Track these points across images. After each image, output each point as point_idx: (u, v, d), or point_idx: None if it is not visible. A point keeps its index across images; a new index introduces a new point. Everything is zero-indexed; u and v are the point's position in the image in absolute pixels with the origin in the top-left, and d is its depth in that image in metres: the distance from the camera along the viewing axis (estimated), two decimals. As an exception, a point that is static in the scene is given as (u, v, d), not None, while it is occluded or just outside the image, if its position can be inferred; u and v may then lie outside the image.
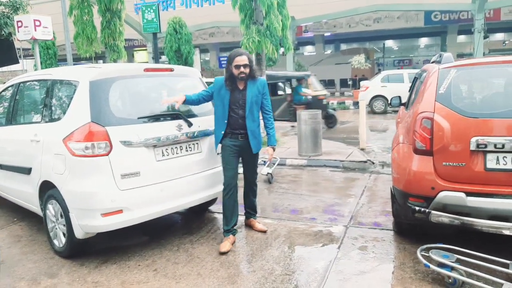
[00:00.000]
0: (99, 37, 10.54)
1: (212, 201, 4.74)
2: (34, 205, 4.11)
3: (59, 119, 3.75)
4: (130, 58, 29.96)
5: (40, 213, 4.00)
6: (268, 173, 6.11)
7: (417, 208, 3.28)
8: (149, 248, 3.86)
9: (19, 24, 9.43)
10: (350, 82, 27.56)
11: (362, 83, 17.06)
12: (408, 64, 34.63)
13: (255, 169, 4.15)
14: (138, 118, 3.68)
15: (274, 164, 6.54)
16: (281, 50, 10.62)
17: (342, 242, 3.89)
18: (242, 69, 3.72)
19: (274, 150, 4.10)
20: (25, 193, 4.22)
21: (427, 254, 3.11)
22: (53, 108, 3.93)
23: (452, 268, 2.93)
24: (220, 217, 4.67)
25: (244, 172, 4.13)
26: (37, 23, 9.37)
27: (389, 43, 36.59)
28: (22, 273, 3.50)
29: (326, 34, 31.45)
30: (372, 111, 15.51)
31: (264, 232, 4.14)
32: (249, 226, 4.30)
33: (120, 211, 3.45)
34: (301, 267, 3.41)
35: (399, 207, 3.67)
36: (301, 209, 4.88)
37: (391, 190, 3.91)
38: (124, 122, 3.58)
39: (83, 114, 3.49)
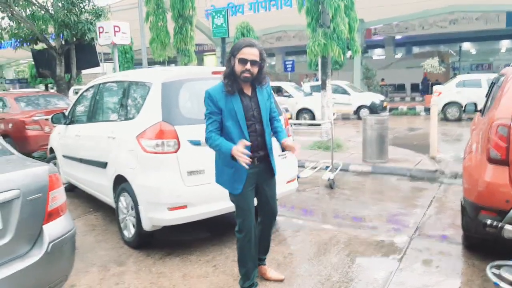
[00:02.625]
0: (172, 42, 11.08)
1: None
2: (108, 197, 4.43)
3: (133, 117, 4.03)
4: (200, 62, 31.15)
5: (113, 205, 4.30)
6: (329, 178, 6.04)
7: (489, 222, 3.06)
8: (210, 245, 4.00)
9: (101, 30, 10.23)
10: (421, 87, 26.25)
11: (435, 88, 16.15)
12: (488, 69, 32.21)
13: (275, 197, 3.13)
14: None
15: (336, 169, 6.44)
16: (349, 53, 10.45)
17: (405, 253, 3.74)
18: (248, 66, 2.71)
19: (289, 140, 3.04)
20: (101, 186, 4.56)
21: (498, 272, 2.89)
22: (128, 108, 4.22)
23: (527, 289, 2.70)
24: (279, 219, 4.71)
25: (260, 204, 3.09)
26: (117, 29, 10.10)
27: (467, 46, 34.34)
28: (94, 259, 3.79)
29: (397, 36, 30.32)
30: (445, 118, 14.65)
31: (282, 280, 3.23)
32: (258, 275, 3.22)
33: (185, 206, 3.62)
34: (359, 275, 3.33)
35: (469, 220, 3.45)
36: (363, 217, 4.76)
37: (461, 202, 3.69)
38: (192, 122, 3.75)
39: (155, 114, 3.71)
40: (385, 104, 16.63)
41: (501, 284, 2.80)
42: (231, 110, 2.75)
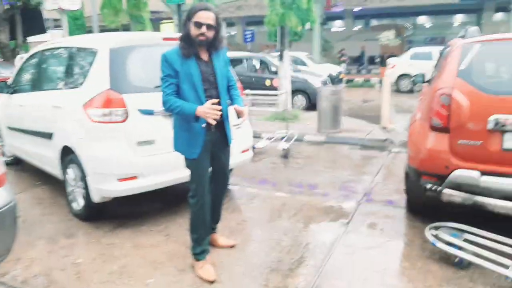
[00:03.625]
0: (125, 8, 10.59)
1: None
2: (55, 169, 4.27)
3: (79, 86, 3.85)
4: (157, 30, 30.03)
5: (61, 177, 4.16)
6: (284, 148, 6.12)
7: (429, 186, 3.24)
8: (162, 215, 3.98)
9: (47, -7, 9.58)
10: (378, 60, 26.81)
11: (388, 60, 16.56)
12: (441, 43, 33.28)
13: (228, 165, 3.16)
14: (156, 87, 3.72)
15: (291, 139, 6.53)
16: (308, 24, 10.45)
17: (353, 217, 3.90)
18: (204, 29, 2.69)
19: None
20: (47, 158, 4.38)
21: (436, 233, 3.09)
22: (74, 75, 4.03)
23: (460, 248, 2.91)
24: (234, 188, 4.76)
25: (214, 171, 3.07)
26: (64, -8, 9.49)
27: (422, 19, 35.20)
28: (41, 232, 3.68)
29: (356, 9, 30.54)
30: (398, 90, 15.12)
31: (233, 246, 3.30)
32: (209, 243, 3.15)
33: (135, 177, 3.56)
34: (308, 239, 3.46)
35: (412, 185, 3.64)
36: (315, 185, 4.90)
37: (405, 168, 3.87)
38: (142, 90, 3.64)
39: (102, 82, 3.57)
40: (341, 76, 16.88)
41: (438, 244, 3.00)
42: (188, 73, 2.73)
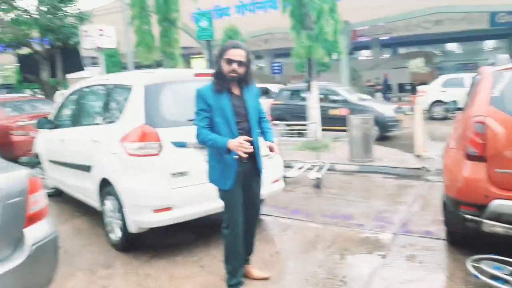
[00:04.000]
0: (157, 45, 11.08)
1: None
2: (94, 201, 4.41)
3: (116, 121, 4.02)
4: (188, 65, 31.06)
5: (100, 208, 4.28)
6: (316, 177, 6.08)
7: (468, 216, 3.13)
8: (196, 246, 4.01)
9: (85, 33, 10.18)
10: (409, 87, 26.54)
11: (419, 88, 16.37)
12: (473, 69, 32.70)
13: (260, 195, 3.20)
14: (188, 120, 3.84)
15: (322, 168, 6.49)
16: (335, 55, 10.56)
17: (390, 249, 3.80)
18: (235, 66, 2.81)
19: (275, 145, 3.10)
20: (86, 190, 4.54)
21: (478, 265, 2.96)
22: (111, 111, 4.22)
23: (505, 281, 2.77)
24: (267, 219, 4.75)
25: (245, 202, 3.05)
26: (101, 32, 10.06)
27: (451, 46, 34.86)
28: (81, 262, 3.78)
29: (383, 37, 30.62)
30: (431, 117, 14.85)
31: (267, 278, 3.25)
32: (243, 275, 3.16)
33: (170, 208, 3.63)
34: (344, 272, 3.38)
35: (450, 216, 3.52)
36: (349, 215, 4.82)
37: (442, 198, 3.76)
38: (175, 124, 3.76)
39: (138, 117, 3.72)
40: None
41: (481, 277, 2.87)
42: (220, 107, 2.83)
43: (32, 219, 2.40)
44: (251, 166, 2.98)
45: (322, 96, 10.72)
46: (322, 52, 8.49)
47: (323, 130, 10.25)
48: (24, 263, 2.25)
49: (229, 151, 2.76)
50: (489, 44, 34.38)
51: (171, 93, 3.92)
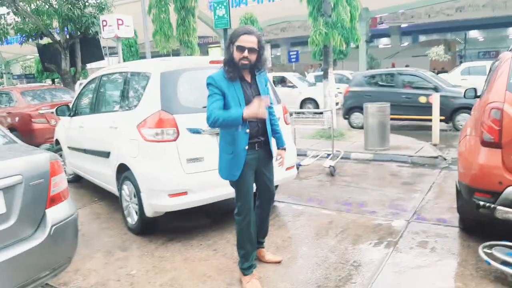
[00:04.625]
0: (175, 34, 11.14)
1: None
2: (112, 186, 4.54)
3: (134, 107, 4.11)
4: (205, 54, 31.12)
5: (117, 193, 4.41)
6: (330, 166, 6.10)
7: (482, 203, 3.12)
8: (211, 230, 4.10)
9: (104, 23, 10.32)
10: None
11: (439, 76, 16.07)
12: (495, 56, 31.83)
13: (273, 181, 3.21)
14: (203, 107, 3.90)
15: (337, 157, 6.50)
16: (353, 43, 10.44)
17: (402, 236, 3.81)
18: (246, 53, 2.76)
19: (285, 151, 3.20)
20: (104, 175, 4.67)
21: (490, 251, 2.96)
22: (129, 98, 4.31)
23: (517, 267, 2.77)
24: (280, 205, 4.81)
25: (259, 188, 3.17)
26: (120, 22, 10.19)
27: (473, 33, 33.99)
28: (99, 245, 3.91)
29: (403, 25, 30.07)
30: (450, 106, 14.58)
31: (279, 262, 3.34)
32: (257, 258, 3.27)
33: (185, 192, 3.71)
34: (355, 257, 3.41)
35: (464, 203, 3.50)
36: (363, 202, 4.83)
37: (456, 185, 3.74)
38: (191, 111, 3.83)
39: (155, 103, 3.80)
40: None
41: (493, 263, 2.87)
42: (234, 96, 2.81)
43: (54, 200, 2.51)
44: (263, 152, 2.99)
45: (407, 82, 10.11)
46: (340, 39, 8.41)
47: (408, 119, 10.10)
48: (45, 243, 2.37)
49: (243, 122, 2.69)
50: (513, 31, 33.38)
51: (187, 80, 3.97)
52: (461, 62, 26.31)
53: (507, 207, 2.99)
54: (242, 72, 2.87)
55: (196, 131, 3.76)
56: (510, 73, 3.15)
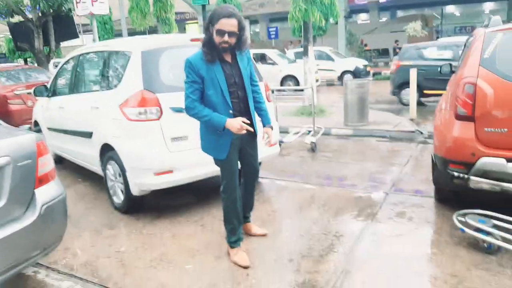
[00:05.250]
0: (152, 11, 10.91)
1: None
2: (96, 166, 4.54)
3: (115, 87, 4.09)
4: (182, 31, 30.54)
5: (101, 173, 4.42)
6: (311, 142, 6.22)
7: (456, 174, 3.29)
8: (198, 207, 4.18)
9: (78, 0, 9.99)
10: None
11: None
12: (471, 31, 32.28)
13: (257, 158, 3.26)
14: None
15: (318, 133, 6.62)
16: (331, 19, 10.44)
17: (381, 207, 3.98)
18: (226, 37, 2.71)
19: (272, 129, 3.16)
20: (87, 155, 4.66)
21: (464, 219, 3.14)
22: (110, 77, 4.27)
23: (488, 233, 2.95)
24: (264, 181, 4.92)
25: (244, 166, 3.21)
26: (94, -2, 9.88)
27: (450, 8, 34.32)
28: (86, 224, 3.95)
29: (381, 0, 30.07)
30: (426, 81, 14.86)
31: (265, 235, 3.45)
32: (244, 232, 3.38)
33: (170, 171, 3.76)
34: (337, 227, 3.57)
35: (439, 174, 3.68)
36: (343, 176, 4.99)
37: (432, 158, 3.91)
38: (173, 89, 3.83)
39: (137, 82, 3.78)
40: (368, 68, 16.77)
41: (466, 230, 3.05)
42: (213, 78, 2.77)
43: (42, 180, 2.53)
44: (247, 132, 2.97)
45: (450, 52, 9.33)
46: (319, 15, 8.42)
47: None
48: (35, 222, 2.40)
49: (224, 129, 2.77)
50: (488, 6, 33.83)
51: (168, 59, 3.96)
52: (437, 38, 26.63)
53: (479, 177, 3.17)
54: (222, 54, 2.83)
55: (179, 110, 3.75)
56: (484, 49, 3.27)
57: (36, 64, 12.55)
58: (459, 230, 3.15)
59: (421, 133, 6.89)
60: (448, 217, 3.59)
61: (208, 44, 2.77)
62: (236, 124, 2.75)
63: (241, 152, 3.10)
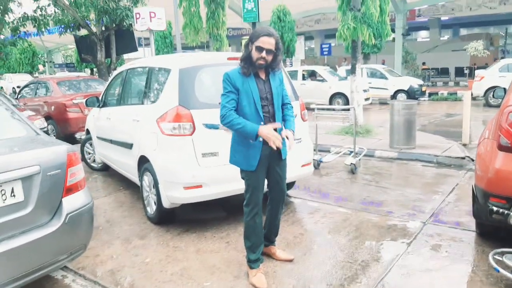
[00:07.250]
0: (204, 27, 11.29)
1: (290, 185, 4.91)
2: (134, 176, 4.73)
3: (154, 101, 4.26)
4: (239, 46, 31.25)
5: (139, 183, 4.59)
6: (351, 163, 6.06)
7: (495, 209, 3.05)
8: (226, 223, 4.20)
9: (137, 16, 10.58)
10: (466, 71, 25.02)
11: (477, 72, 15.44)
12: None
13: (285, 179, 3.24)
14: (220, 103, 3.98)
15: (360, 154, 6.44)
16: (392, 36, 10.21)
17: (415, 238, 3.77)
18: (264, 54, 2.88)
19: (293, 133, 3.07)
20: (128, 165, 4.87)
21: (501, 259, 2.89)
22: (150, 92, 4.46)
23: (528, 277, 2.70)
24: (296, 201, 4.85)
25: (271, 184, 3.20)
26: (152, 14, 10.42)
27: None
28: (119, 232, 4.11)
29: (444, 18, 28.98)
30: (487, 104, 14.02)
31: (291, 260, 3.37)
32: (268, 255, 3.41)
33: (200, 186, 3.82)
34: (364, 256, 3.42)
35: (480, 207, 3.42)
36: (380, 202, 4.79)
37: (472, 189, 3.66)
38: (207, 106, 3.92)
39: (173, 98, 3.92)
40: (423, 88, 16.14)
41: (502, 270, 2.81)
42: (247, 90, 2.93)
43: (70, 190, 2.67)
44: (274, 150, 2.95)
45: None
46: (368, 33, 8.26)
47: None
48: (60, 229, 2.54)
49: (257, 137, 2.85)
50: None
51: (205, 76, 4.07)
52: (502, 58, 25.10)
53: (521, 214, 2.91)
54: (257, 70, 2.99)
55: (212, 127, 3.85)
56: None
57: (98, 75, 13.39)
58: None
59: (472, 160, 6.47)
60: (488, 254, 3.32)
61: (246, 59, 2.95)
62: (268, 130, 2.82)
63: (269, 170, 3.11)
